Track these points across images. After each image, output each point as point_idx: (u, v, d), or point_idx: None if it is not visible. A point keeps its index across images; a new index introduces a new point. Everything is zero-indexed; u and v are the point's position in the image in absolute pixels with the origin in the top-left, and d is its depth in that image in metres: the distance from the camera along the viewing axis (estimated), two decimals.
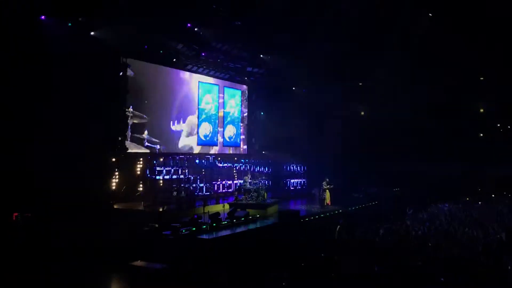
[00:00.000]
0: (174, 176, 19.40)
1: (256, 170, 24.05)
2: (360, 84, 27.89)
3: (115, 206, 17.32)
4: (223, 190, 22.02)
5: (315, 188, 21.62)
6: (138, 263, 11.87)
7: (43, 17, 15.77)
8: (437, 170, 26.59)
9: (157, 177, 18.87)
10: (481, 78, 27.20)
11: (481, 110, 29.13)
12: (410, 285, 9.29)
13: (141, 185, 19.29)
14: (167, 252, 12.79)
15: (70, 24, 16.49)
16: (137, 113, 19.65)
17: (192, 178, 20.02)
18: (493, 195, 24.66)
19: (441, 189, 24.41)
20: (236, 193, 19.81)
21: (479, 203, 21.77)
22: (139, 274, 11.53)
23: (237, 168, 23.85)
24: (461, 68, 24.44)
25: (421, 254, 11.49)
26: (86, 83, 16.37)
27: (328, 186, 20.68)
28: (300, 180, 26.42)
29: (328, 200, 20.65)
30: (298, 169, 26.60)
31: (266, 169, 25.05)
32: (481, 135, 29.73)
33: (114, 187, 18.29)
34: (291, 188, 25.66)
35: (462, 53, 22.44)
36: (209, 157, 22.96)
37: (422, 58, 23.56)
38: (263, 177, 20.52)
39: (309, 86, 27.48)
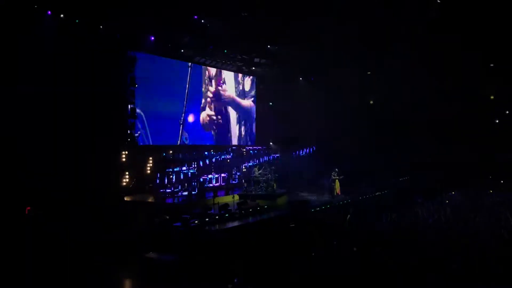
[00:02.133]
0: (184, 168, 19.50)
1: (265, 160, 24.07)
2: (369, 73, 27.72)
3: (126, 199, 17.47)
4: (232, 182, 22.10)
5: (325, 178, 21.61)
6: (150, 255, 11.98)
7: (49, 12, 15.74)
8: (448, 158, 26.39)
9: (168, 170, 18.97)
10: (491, 64, 26.91)
11: (492, 97, 28.81)
12: (420, 273, 9.28)
13: (151, 178, 19.38)
14: (178, 244, 12.90)
15: (77, 21, 16.48)
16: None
17: (201, 169, 20.13)
18: (501, 181, 24.44)
19: (452, 177, 24.26)
20: (246, 184, 19.88)
21: (490, 191, 21.61)
22: (151, 266, 11.62)
23: (246, 159, 23.89)
24: (471, 54, 24.17)
25: (431, 243, 11.47)
26: (94, 75, 16.38)
27: (338, 176, 20.67)
28: (309, 170, 26.38)
29: (337, 190, 20.65)
30: (307, 159, 26.56)
31: (275, 160, 25.05)
32: (497, 121, 29.39)
33: (124, 180, 18.42)
34: (300, 178, 25.63)
35: (473, 39, 22.23)
36: (217, 149, 23.04)
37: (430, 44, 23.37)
38: (272, 167, 20.51)
39: (318, 75, 27.35)
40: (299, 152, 26.20)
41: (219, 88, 24.31)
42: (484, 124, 28.45)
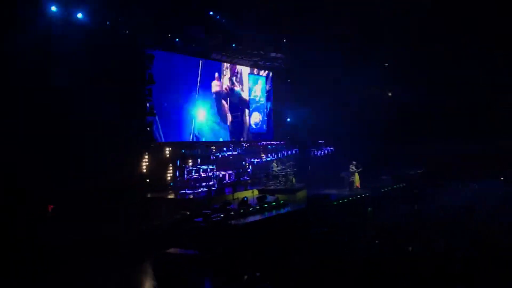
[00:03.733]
0: (203, 165, 19.63)
1: (283, 155, 24.06)
2: (386, 65, 27.47)
3: (148, 195, 17.66)
4: (243, 178, 22.05)
5: (343, 172, 21.52)
6: (172, 250, 12.11)
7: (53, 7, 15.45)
8: (463, 149, 26.00)
9: (186, 166, 19.11)
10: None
11: None
12: (435, 264, 9.22)
13: (171, 174, 19.54)
14: (199, 239, 13.01)
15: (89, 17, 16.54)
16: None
17: (219, 165, 20.23)
18: None
19: (467, 168, 23.94)
20: (265, 179, 19.91)
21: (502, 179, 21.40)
22: (172, 261, 11.75)
23: (264, 154, 23.93)
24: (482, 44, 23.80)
25: (446, 233, 11.39)
26: (112, 74, 16.50)
27: (356, 169, 20.55)
28: (327, 163, 26.30)
29: (357, 183, 20.54)
30: (325, 152, 26.48)
31: (293, 154, 25.00)
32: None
33: (145, 177, 18.57)
34: (319, 172, 25.58)
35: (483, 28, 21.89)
36: (236, 145, 23.11)
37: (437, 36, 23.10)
38: (291, 162, 20.48)
39: (334, 68, 27.18)
40: (317, 151, 26.08)
41: (232, 83, 24.30)
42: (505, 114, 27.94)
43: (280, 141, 25.80)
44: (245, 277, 9.18)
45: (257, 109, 26.12)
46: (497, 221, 12.30)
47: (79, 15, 16.07)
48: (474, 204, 14.82)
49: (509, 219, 12.60)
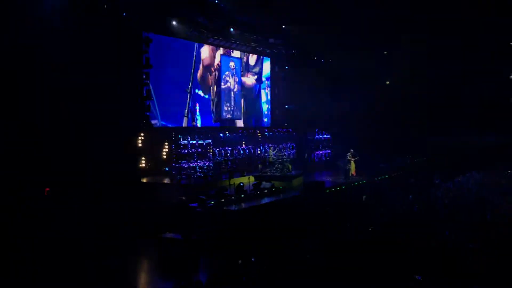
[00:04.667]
0: (200, 150, 19.58)
1: (280, 142, 24.04)
2: (386, 53, 27.39)
3: (143, 180, 17.64)
4: (246, 163, 22.10)
5: (340, 159, 21.55)
6: (168, 235, 12.14)
7: None
8: (466, 139, 26.08)
9: (183, 151, 19.05)
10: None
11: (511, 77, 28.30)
12: (438, 253, 9.25)
13: (166, 159, 19.50)
14: (194, 224, 13.05)
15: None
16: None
17: (217, 151, 20.20)
18: None
19: (470, 159, 24.01)
20: (261, 165, 19.89)
21: (509, 171, 21.33)
22: (167, 246, 11.78)
23: (261, 140, 23.90)
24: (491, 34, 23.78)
25: (449, 222, 11.41)
26: (107, 57, 16.24)
27: (353, 157, 20.58)
28: (324, 151, 26.36)
29: (353, 171, 20.59)
30: (323, 140, 26.50)
31: (290, 141, 25.00)
32: None
33: (141, 162, 18.54)
34: (316, 159, 25.64)
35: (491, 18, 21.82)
36: (232, 131, 23.07)
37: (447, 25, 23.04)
38: (289, 148, 20.44)
39: (334, 55, 27.06)
40: (314, 136, 26.04)
41: (230, 69, 24.14)
42: (503, 105, 28.02)
43: (277, 131, 25.71)
44: (240, 261, 9.21)
45: (253, 93, 26.00)
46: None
47: None
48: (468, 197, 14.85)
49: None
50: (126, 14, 17.55)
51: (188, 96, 21.54)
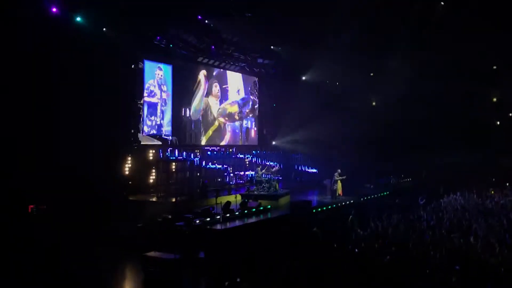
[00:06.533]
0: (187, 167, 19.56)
1: (267, 161, 24.13)
2: (372, 74, 27.80)
3: (129, 198, 17.50)
4: (235, 182, 22.13)
5: (327, 179, 21.63)
6: (152, 253, 12.03)
7: (54, 9, 15.42)
8: (450, 160, 26.34)
9: (170, 169, 18.99)
10: (494, 67, 27.11)
11: (494, 100, 28.86)
12: (425, 275, 9.31)
13: (154, 177, 19.40)
14: (180, 243, 12.93)
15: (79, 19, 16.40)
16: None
17: (204, 169, 20.20)
18: (507, 184, 24.36)
19: (455, 179, 24.25)
20: (248, 184, 19.90)
21: (492, 192, 21.58)
22: (152, 265, 11.66)
23: (249, 159, 23.95)
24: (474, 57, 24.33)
25: (432, 244, 11.50)
26: (97, 77, 16.35)
27: (340, 177, 20.63)
28: (311, 171, 26.46)
29: (339, 191, 20.62)
30: (310, 160, 26.63)
31: (277, 160, 25.05)
32: (498, 123, 29.40)
33: (127, 179, 18.40)
34: (303, 179, 25.71)
35: (475, 41, 22.39)
36: (220, 149, 23.09)
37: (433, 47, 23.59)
38: (277, 168, 20.60)
39: (321, 77, 27.35)
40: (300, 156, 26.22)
41: (217, 88, 24.28)
42: (487, 126, 28.49)
43: (264, 150, 25.82)
44: (226, 283, 9.14)
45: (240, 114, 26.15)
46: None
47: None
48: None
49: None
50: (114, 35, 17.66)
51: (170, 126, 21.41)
